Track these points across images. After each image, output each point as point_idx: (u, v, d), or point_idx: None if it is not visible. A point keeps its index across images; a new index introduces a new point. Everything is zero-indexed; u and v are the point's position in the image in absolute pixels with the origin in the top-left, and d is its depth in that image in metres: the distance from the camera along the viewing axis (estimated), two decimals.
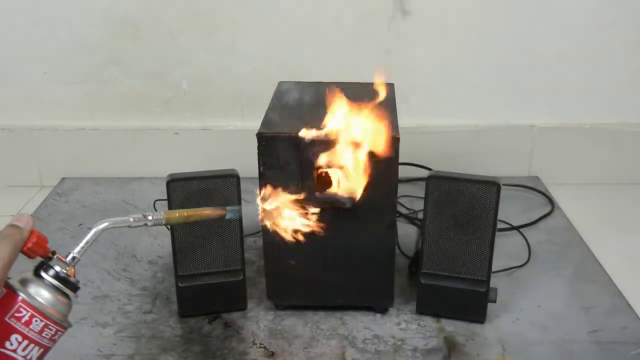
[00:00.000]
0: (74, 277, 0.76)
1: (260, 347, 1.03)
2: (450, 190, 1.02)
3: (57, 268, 0.74)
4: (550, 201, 1.48)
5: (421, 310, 1.10)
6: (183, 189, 1.01)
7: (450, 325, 1.08)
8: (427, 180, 1.02)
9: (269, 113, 1.07)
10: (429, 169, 1.22)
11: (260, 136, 1.00)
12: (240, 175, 1.03)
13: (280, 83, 1.22)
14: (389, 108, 1.11)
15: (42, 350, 0.70)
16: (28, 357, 0.69)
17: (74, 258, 0.76)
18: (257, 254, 1.26)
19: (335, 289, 1.08)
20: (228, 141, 1.57)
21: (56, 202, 1.48)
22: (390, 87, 1.20)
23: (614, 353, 1.02)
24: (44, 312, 0.70)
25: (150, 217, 0.81)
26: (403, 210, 1.41)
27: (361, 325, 1.08)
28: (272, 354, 1.02)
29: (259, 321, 1.09)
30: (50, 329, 0.71)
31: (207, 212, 0.93)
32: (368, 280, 1.07)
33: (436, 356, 1.01)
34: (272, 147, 1.00)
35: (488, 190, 1.00)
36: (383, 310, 1.10)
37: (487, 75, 1.54)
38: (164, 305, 1.13)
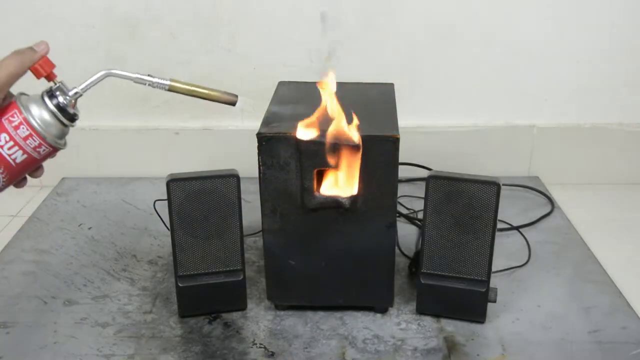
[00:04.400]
0: (74, 108, 0.89)
1: (260, 347, 1.03)
2: (450, 190, 1.02)
3: (60, 98, 0.87)
4: (550, 201, 1.48)
5: (421, 310, 1.10)
6: (183, 189, 1.01)
7: (450, 325, 1.08)
8: (427, 180, 1.02)
9: (269, 113, 1.07)
10: (429, 169, 1.22)
11: (260, 136, 1.00)
12: (240, 175, 1.03)
13: (280, 83, 1.22)
14: (389, 108, 1.11)
15: (26, 156, 0.84)
16: (12, 157, 0.83)
17: (76, 93, 0.90)
18: (257, 254, 1.26)
19: (335, 289, 1.08)
20: (228, 141, 1.57)
21: (56, 202, 1.48)
22: (390, 87, 1.21)
23: (614, 353, 1.02)
24: (31, 123, 0.83)
25: (155, 80, 0.91)
26: (403, 210, 1.41)
27: (361, 325, 1.08)
28: (272, 354, 1.02)
29: (259, 321, 1.09)
30: (34, 140, 0.84)
31: (216, 93, 0.96)
32: (368, 280, 1.07)
33: (436, 356, 1.01)
34: (272, 147, 1.00)
35: (488, 190, 1.00)
36: (383, 310, 1.10)
37: (487, 75, 1.54)
38: (164, 305, 1.13)
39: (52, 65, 0.88)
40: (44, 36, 1.48)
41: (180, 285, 1.07)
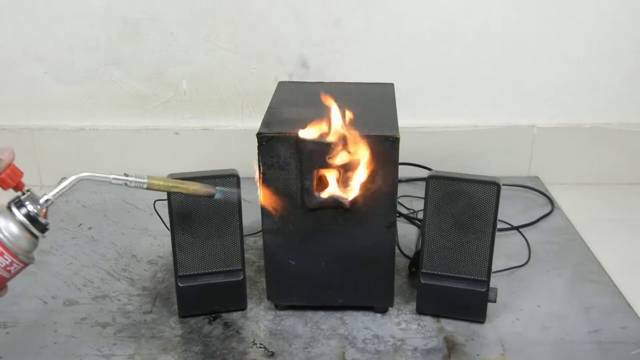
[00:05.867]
0: (45, 218, 0.81)
1: (260, 347, 1.03)
2: (450, 190, 1.02)
3: (30, 207, 0.79)
4: (550, 201, 1.48)
5: (421, 310, 1.10)
6: None
7: (450, 325, 1.08)
8: (427, 180, 1.02)
9: (269, 113, 1.07)
10: (429, 169, 1.22)
11: (260, 136, 1.00)
12: (240, 175, 1.03)
13: (280, 83, 1.22)
14: (389, 108, 1.11)
15: None
16: None
17: (47, 200, 0.82)
18: (257, 254, 1.26)
19: (335, 289, 1.08)
20: (228, 141, 1.57)
21: (56, 202, 1.47)
22: (390, 87, 1.21)
23: (614, 353, 1.02)
24: (1, 241, 0.75)
25: (131, 179, 0.85)
26: (403, 210, 1.41)
27: (361, 325, 1.08)
28: (272, 354, 1.02)
29: (259, 321, 1.09)
30: (5, 258, 0.76)
31: (195, 187, 0.93)
32: (368, 280, 1.07)
33: (436, 356, 1.01)
34: (272, 147, 1.00)
35: (488, 190, 1.00)
36: (383, 310, 1.10)
37: (487, 75, 1.54)
38: (164, 305, 1.13)
39: (20, 174, 0.80)
40: (44, 36, 1.50)
41: (180, 285, 1.06)
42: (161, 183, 0.90)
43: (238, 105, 1.57)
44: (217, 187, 0.97)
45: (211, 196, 0.96)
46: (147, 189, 0.88)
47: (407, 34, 1.50)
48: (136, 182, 0.86)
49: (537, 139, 1.58)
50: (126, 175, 0.86)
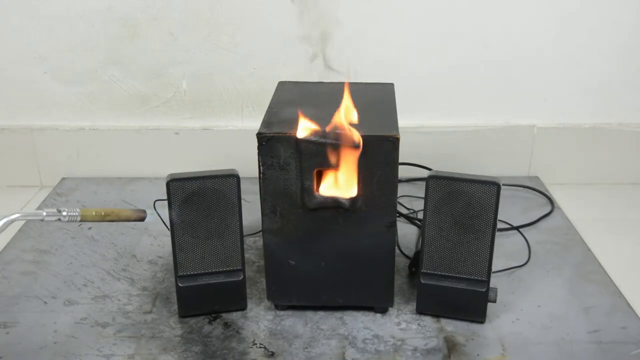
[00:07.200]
0: None
1: (260, 347, 1.03)
2: (450, 190, 1.02)
3: None
4: (550, 201, 1.49)
5: (421, 310, 1.10)
6: (183, 189, 1.01)
7: (450, 325, 1.08)
8: (427, 180, 1.02)
9: (269, 113, 1.07)
10: (429, 169, 1.22)
11: (260, 136, 1.00)
12: (240, 175, 1.03)
13: (280, 83, 1.22)
14: (389, 108, 1.11)
15: None
16: None
17: None
18: (257, 254, 1.26)
19: (335, 289, 1.08)
20: (228, 141, 1.57)
21: (56, 202, 1.48)
22: (390, 87, 1.21)
23: (614, 353, 1.02)
24: None
25: (64, 213, 0.88)
26: (403, 210, 1.41)
27: (361, 325, 1.08)
28: (272, 354, 1.02)
29: (259, 321, 1.09)
30: None
31: (126, 212, 0.98)
32: (368, 280, 1.07)
33: (436, 356, 1.01)
34: (272, 147, 1.00)
35: (488, 190, 1.00)
36: (383, 310, 1.10)
37: (487, 75, 1.54)
38: (164, 305, 1.13)
39: None
40: (44, 36, 1.50)
41: (180, 285, 1.07)
42: (94, 213, 0.96)
43: (238, 105, 1.57)
44: (147, 210, 1.03)
45: (142, 219, 1.02)
46: (80, 221, 0.93)
47: (407, 33, 1.50)
48: (70, 215, 0.90)
49: (537, 139, 1.58)
50: (59, 210, 0.89)
